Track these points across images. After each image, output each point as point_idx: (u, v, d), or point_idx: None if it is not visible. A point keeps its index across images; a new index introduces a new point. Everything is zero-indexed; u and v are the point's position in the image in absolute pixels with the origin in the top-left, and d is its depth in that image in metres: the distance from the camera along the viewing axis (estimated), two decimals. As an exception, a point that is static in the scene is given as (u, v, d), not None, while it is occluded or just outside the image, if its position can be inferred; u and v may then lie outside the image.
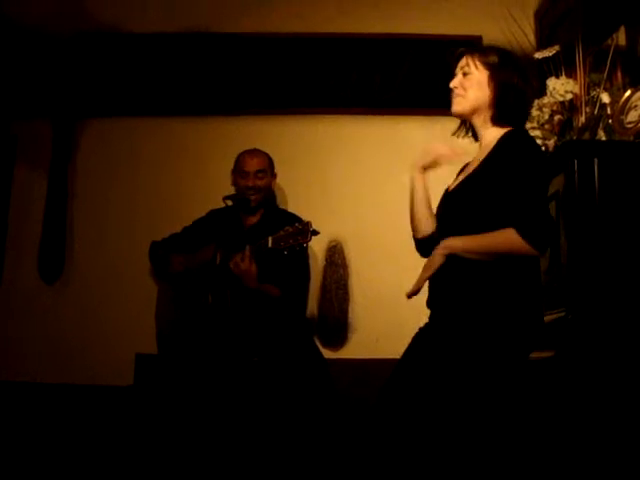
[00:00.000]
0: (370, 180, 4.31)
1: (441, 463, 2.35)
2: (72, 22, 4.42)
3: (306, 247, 3.60)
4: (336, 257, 4.26)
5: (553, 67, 3.68)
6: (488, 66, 2.55)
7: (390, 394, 2.49)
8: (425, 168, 2.65)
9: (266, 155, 3.93)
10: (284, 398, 3.51)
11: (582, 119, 3.52)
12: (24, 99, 4.38)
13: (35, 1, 4.45)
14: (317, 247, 4.17)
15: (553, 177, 3.13)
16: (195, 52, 4.45)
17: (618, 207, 2.99)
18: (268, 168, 3.92)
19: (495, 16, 4.07)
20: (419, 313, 2.59)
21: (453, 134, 2.72)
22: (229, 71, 4.45)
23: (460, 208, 2.51)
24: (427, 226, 2.66)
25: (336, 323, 4.22)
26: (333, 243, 4.26)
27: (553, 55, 3.68)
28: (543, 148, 3.55)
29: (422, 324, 2.59)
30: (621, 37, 3.58)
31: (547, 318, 3.07)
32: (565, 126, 3.58)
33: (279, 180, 4.02)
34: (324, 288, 4.25)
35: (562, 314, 3.04)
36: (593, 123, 3.40)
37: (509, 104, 2.52)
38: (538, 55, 3.75)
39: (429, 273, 2.45)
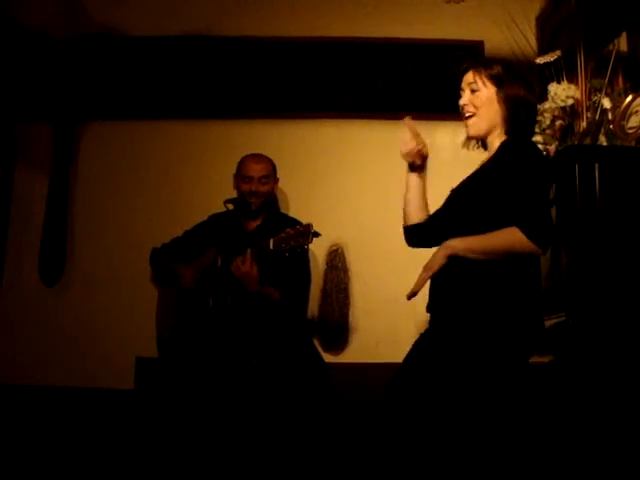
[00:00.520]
0: (371, 184, 4.31)
1: (442, 467, 2.35)
2: (73, 25, 4.42)
3: (307, 249, 3.60)
4: (337, 261, 4.26)
5: (554, 72, 3.68)
6: (495, 81, 2.56)
7: (391, 399, 2.49)
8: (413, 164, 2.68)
9: (269, 160, 3.93)
10: (284, 402, 3.51)
11: (583, 124, 3.52)
12: (25, 101, 4.38)
13: (36, 4, 4.46)
14: (318, 251, 4.17)
15: (554, 182, 3.13)
16: (196, 55, 4.45)
17: (619, 212, 2.99)
18: (272, 173, 3.91)
19: (497, 21, 4.07)
20: (420, 318, 2.59)
21: (463, 146, 2.72)
22: (230, 74, 4.45)
23: (461, 207, 2.52)
24: (417, 215, 2.69)
25: (336, 327, 4.22)
26: (334, 247, 4.26)
27: (554, 60, 3.68)
28: (544, 153, 3.55)
29: (422, 329, 2.59)
30: (622, 42, 3.58)
31: (547, 323, 3.07)
32: (566, 131, 3.58)
33: (280, 184, 4.02)
34: (325, 292, 4.25)
35: (562, 319, 3.04)
36: (594, 128, 3.40)
37: (520, 117, 2.54)
38: (540, 60, 3.75)
39: (430, 273, 2.45)
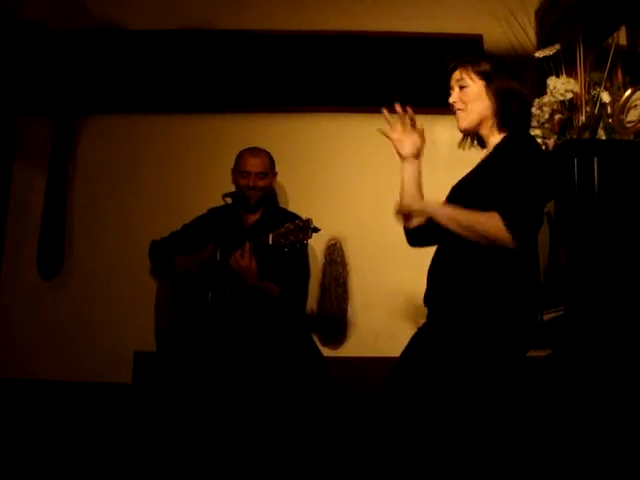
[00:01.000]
0: (370, 178, 4.31)
1: (439, 461, 2.35)
2: (72, 19, 4.41)
3: (306, 244, 3.60)
4: (335, 255, 4.26)
5: (554, 66, 3.68)
6: (482, 75, 2.56)
7: (388, 393, 2.49)
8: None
9: (267, 154, 3.92)
10: (282, 396, 3.51)
11: (582, 118, 3.52)
12: (24, 95, 4.38)
13: (35, -3, 4.46)
14: (317, 245, 4.17)
15: (554, 177, 3.13)
16: (195, 49, 4.45)
17: (618, 206, 2.99)
18: (269, 168, 3.91)
19: (496, 15, 4.07)
20: (418, 311, 2.59)
21: (459, 146, 2.72)
22: (229, 68, 4.44)
23: (461, 204, 2.51)
24: (416, 219, 2.68)
25: (335, 321, 4.22)
26: (333, 241, 4.26)
27: (554, 54, 3.67)
28: (543, 147, 3.55)
29: (421, 322, 2.59)
30: (622, 36, 3.58)
31: (546, 317, 3.08)
32: (565, 125, 3.58)
33: (279, 178, 4.02)
34: (323, 286, 4.25)
35: (561, 313, 3.05)
36: (593, 122, 3.40)
37: (512, 110, 2.54)
38: (539, 54, 3.75)
39: (405, 210, 2.56)
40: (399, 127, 2.70)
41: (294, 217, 3.56)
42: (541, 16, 4.28)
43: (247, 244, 3.44)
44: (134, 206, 4.34)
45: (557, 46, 3.69)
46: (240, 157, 3.90)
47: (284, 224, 3.34)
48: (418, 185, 2.71)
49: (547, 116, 3.61)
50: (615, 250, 2.96)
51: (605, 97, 3.42)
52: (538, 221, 2.44)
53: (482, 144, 2.67)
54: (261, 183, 3.84)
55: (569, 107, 3.58)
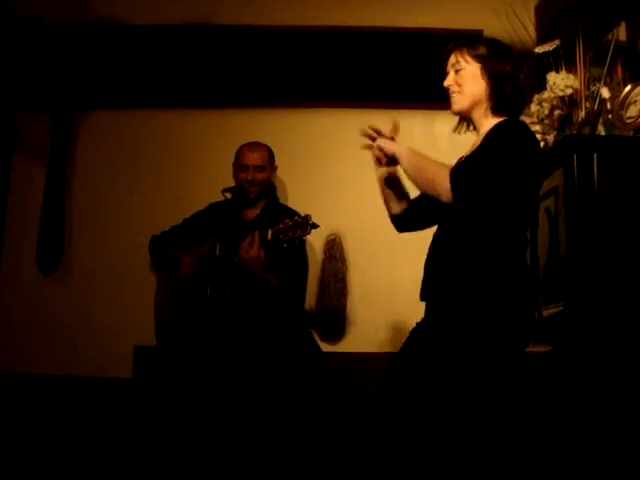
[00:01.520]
0: (369, 174, 4.23)
1: (438, 457, 2.36)
2: (71, 14, 4.40)
3: (305, 240, 3.60)
4: (335, 251, 4.26)
5: (553, 62, 3.68)
6: (478, 58, 2.54)
7: (387, 390, 2.49)
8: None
9: (267, 148, 3.93)
10: (282, 391, 3.51)
11: (582, 114, 3.52)
12: (23, 91, 4.37)
13: (34, -8, 4.45)
14: (316, 241, 4.17)
15: (551, 172, 3.13)
16: (194, 44, 4.44)
17: (617, 202, 2.99)
18: (268, 162, 3.91)
19: (496, 10, 4.06)
20: (417, 307, 2.59)
21: (454, 131, 2.72)
22: (229, 63, 4.43)
23: None
24: (396, 206, 2.76)
25: (334, 317, 4.22)
26: (332, 237, 4.26)
27: (553, 49, 3.68)
28: (542, 143, 3.55)
29: (420, 317, 2.59)
30: (622, 32, 3.58)
31: (545, 312, 3.08)
32: (565, 121, 3.58)
33: (278, 173, 4.02)
34: (322, 282, 4.25)
35: (560, 309, 3.05)
36: (593, 118, 3.40)
37: (505, 93, 2.51)
38: (538, 49, 3.75)
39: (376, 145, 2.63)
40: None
41: (293, 213, 3.56)
42: (541, 12, 4.28)
43: (256, 234, 3.43)
44: (133, 201, 4.34)
45: (557, 42, 3.69)
46: (239, 151, 3.91)
47: (283, 220, 3.34)
48: (402, 188, 2.75)
49: (547, 112, 3.62)
50: (615, 246, 2.96)
51: (605, 93, 3.42)
52: (482, 191, 2.39)
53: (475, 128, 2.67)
54: (260, 176, 3.85)
55: (569, 103, 3.58)
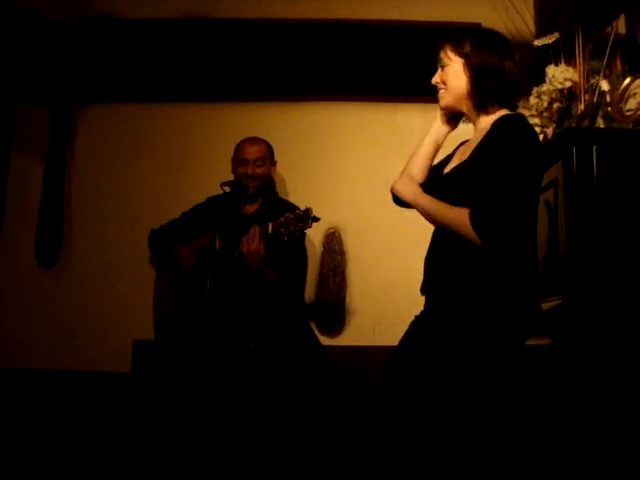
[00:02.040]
0: (368, 167, 4.31)
1: (438, 450, 2.36)
2: (70, 8, 4.39)
3: (305, 234, 3.60)
4: (334, 244, 4.26)
5: (552, 54, 3.68)
6: (461, 54, 2.52)
7: (386, 383, 2.49)
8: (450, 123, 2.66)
9: (265, 143, 3.92)
10: (281, 385, 3.52)
11: (581, 107, 3.52)
12: (22, 84, 4.36)
13: (33, -14, 4.44)
14: (315, 234, 4.16)
15: (550, 165, 3.13)
16: (193, 38, 4.43)
17: (616, 195, 2.98)
18: (267, 156, 3.90)
19: (494, 3, 4.07)
20: (417, 300, 2.59)
21: (452, 129, 2.70)
22: (227, 57, 4.43)
23: (451, 195, 2.49)
24: (419, 176, 2.64)
25: (333, 310, 4.23)
26: (331, 230, 4.26)
27: (553, 42, 3.67)
28: (542, 136, 3.55)
29: (419, 311, 2.59)
30: (621, 25, 3.57)
31: (545, 305, 3.08)
32: (564, 114, 3.58)
33: (278, 166, 4.02)
34: (322, 275, 4.25)
35: (559, 302, 3.05)
36: (592, 111, 3.40)
37: (486, 87, 2.47)
38: (537, 42, 3.75)
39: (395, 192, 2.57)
40: None
41: (293, 208, 3.55)
42: (540, 4, 4.27)
43: (256, 228, 3.43)
44: (132, 194, 4.33)
45: (556, 34, 3.69)
46: (238, 146, 3.91)
47: (284, 214, 3.34)
48: (429, 160, 2.68)
49: (546, 105, 3.61)
50: (614, 238, 2.96)
51: (604, 85, 3.42)
52: (510, 218, 2.38)
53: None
54: (259, 171, 3.84)
55: (568, 96, 3.58)
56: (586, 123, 3.39)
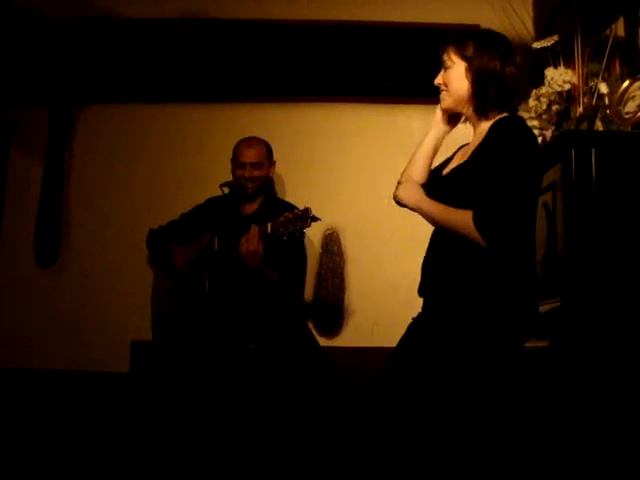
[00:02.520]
0: (367, 168, 4.31)
1: (436, 451, 2.36)
2: (70, 7, 4.39)
3: (304, 233, 3.59)
4: (332, 245, 4.26)
5: (551, 57, 3.68)
6: (464, 57, 2.51)
7: (385, 385, 2.49)
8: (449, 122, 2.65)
9: (264, 144, 3.92)
10: (279, 386, 3.52)
11: (580, 109, 3.52)
12: (21, 84, 4.36)
13: (33, -14, 4.44)
14: (314, 235, 4.17)
15: (549, 168, 3.13)
16: (193, 38, 4.43)
17: (615, 197, 2.99)
18: (266, 158, 3.90)
19: (494, 5, 4.06)
20: (415, 301, 2.59)
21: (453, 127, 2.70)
22: (227, 58, 4.42)
23: (450, 196, 2.49)
24: (418, 175, 2.63)
25: (332, 311, 4.23)
26: (329, 231, 4.26)
27: (552, 45, 3.68)
28: (540, 138, 3.55)
29: (417, 312, 2.59)
30: (620, 28, 3.58)
31: (542, 308, 3.08)
32: (563, 116, 3.58)
33: (277, 167, 4.02)
34: (320, 276, 4.25)
35: (557, 304, 3.05)
36: (591, 113, 3.40)
37: (488, 93, 2.47)
38: (536, 45, 3.75)
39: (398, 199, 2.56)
40: None
41: (292, 208, 3.55)
42: (539, 6, 4.28)
43: (255, 228, 3.43)
44: (131, 194, 4.33)
45: (555, 37, 3.70)
46: (236, 148, 3.90)
47: (283, 213, 3.33)
48: (429, 160, 2.68)
49: (545, 107, 3.61)
50: (612, 241, 2.96)
51: (603, 88, 3.42)
52: (513, 218, 2.38)
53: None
54: (257, 173, 3.84)
55: (567, 98, 3.59)
56: (585, 126, 3.39)
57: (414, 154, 2.66)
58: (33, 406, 4.04)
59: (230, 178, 3.86)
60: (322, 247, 4.27)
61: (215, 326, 3.57)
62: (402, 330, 2.58)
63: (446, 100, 2.58)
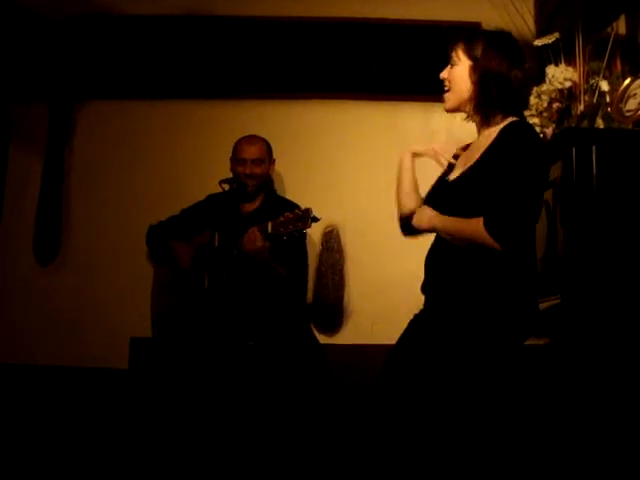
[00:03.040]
0: (367, 166, 4.31)
1: (436, 448, 2.36)
2: (70, 4, 4.39)
3: (305, 234, 3.59)
4: (332, 242, 4.25)
5: (552, 55, 3.68)
6: (471, 57, 2.48)
7: (385, 381, 2.49)
8: (416, 154, 2.69)
9: (264, 142, 3.91)
10: (279, 383, 3.51)
11: (581, 107, 3.52)
12: (21, 80, 4.35)
13: (33, -18, 4.43)
14: (313, 232, 4.15)
15: (551, 165, 3.13)
16: (194, 35, 4.42)
17: (616, 195, 2.99)
18: (266, 156, 3.90)
19: (495, 2, 4.06)
20: (415, 299, 2.59)
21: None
22: (227, 54, 4.42)
23: (459, 200, 2.48)
24: (411, 204, 2.65)
25: (332, 308, 4.23)
26: (329, 228, 4.26)
27: (553, 42, 3.67)
28: (541, 136, 3.55)
29: (417, 310, 2.59)
30: (621, 25, 3.58)
31: (543, 305, 3.08)
32: (564, 114, 3.58)
33: (277, 165, 4.01)
34: (320, 273, 4.25)
35: (557, 301, 3.05)
36: (592, 111, 3.40)
37: (491, 97, 2.45)
38: (538, 42, 3.75)
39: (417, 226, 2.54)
40: None
41: (293, 206, 3.55)
42: (540, 4, 4.27)
43: (254, 229, 3.43)
44: (131, 191, 4.33)
45: (556, 34, 3.69)
46: (237, 145, 3.90)
47: (283, 213, 3.33)
48: (415, 181, 2.71)
49: (545, 105, 3.61)
50: (612, 238, 2.96)
51: (604, 86, 3.42)
52: (524, 222, 2.39)
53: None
54: (257, 170, 3.84)
55: (568, 96, 3.58)
56: (586, 123, 3.39)
57: (398, 191, 2.70)
58: (32, 402, 4.04)
59: (230, 174, 3.85)
60: (322, 244, 4.26)
61: (214, 323, 3.56)
62: (402, 327, 2.58)
63: (449, 101, 2.56)
